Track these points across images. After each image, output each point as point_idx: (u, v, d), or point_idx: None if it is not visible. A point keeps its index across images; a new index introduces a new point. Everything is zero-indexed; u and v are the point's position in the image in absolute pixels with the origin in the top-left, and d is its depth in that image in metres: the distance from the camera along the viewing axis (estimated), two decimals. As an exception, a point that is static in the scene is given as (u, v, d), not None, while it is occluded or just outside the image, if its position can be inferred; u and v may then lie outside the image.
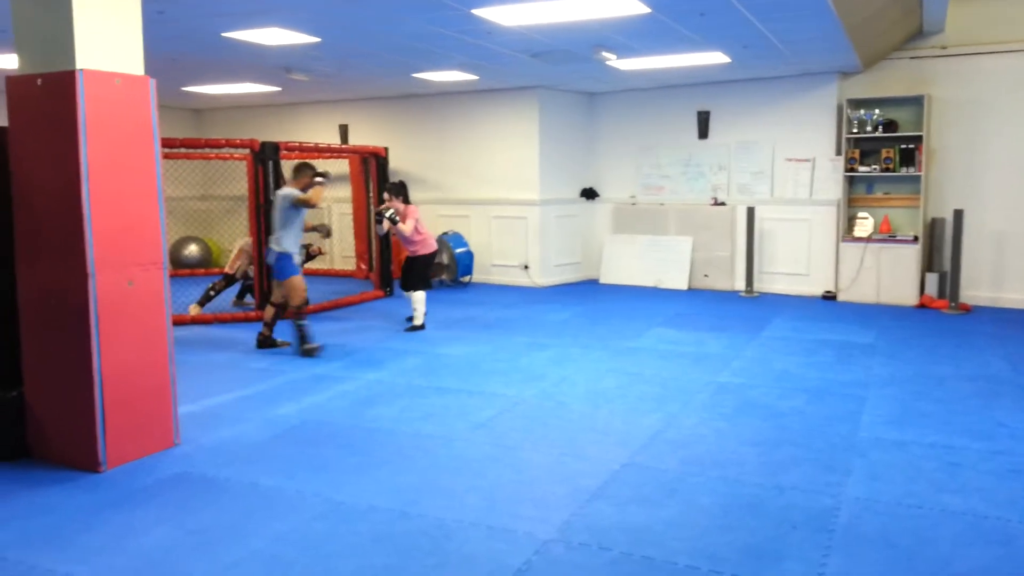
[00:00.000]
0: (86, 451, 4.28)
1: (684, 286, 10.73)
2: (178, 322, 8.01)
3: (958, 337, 7.58)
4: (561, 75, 9.77)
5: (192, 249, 12.80)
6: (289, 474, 4.23)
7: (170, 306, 4.64)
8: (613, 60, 8.39)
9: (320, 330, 8.13)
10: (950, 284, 8.94)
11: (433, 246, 8.28)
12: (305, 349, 6.98)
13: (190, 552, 3.36)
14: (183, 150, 9.93)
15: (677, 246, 10.86)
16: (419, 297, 8.04)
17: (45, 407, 4.41)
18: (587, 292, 10.63)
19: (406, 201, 8.20)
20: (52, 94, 4.16)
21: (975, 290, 9.29)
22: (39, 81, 4.20)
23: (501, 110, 11.16)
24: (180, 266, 12.41)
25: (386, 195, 8.23)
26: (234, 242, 11.10)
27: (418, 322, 8.06)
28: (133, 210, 4.39)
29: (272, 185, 8.62)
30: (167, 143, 8.10)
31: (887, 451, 4.50)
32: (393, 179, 11.33)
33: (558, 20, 6.57)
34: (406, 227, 7.95)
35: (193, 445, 4.70)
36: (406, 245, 8.14)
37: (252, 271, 9.01)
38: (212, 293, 9.03)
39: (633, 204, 11.33)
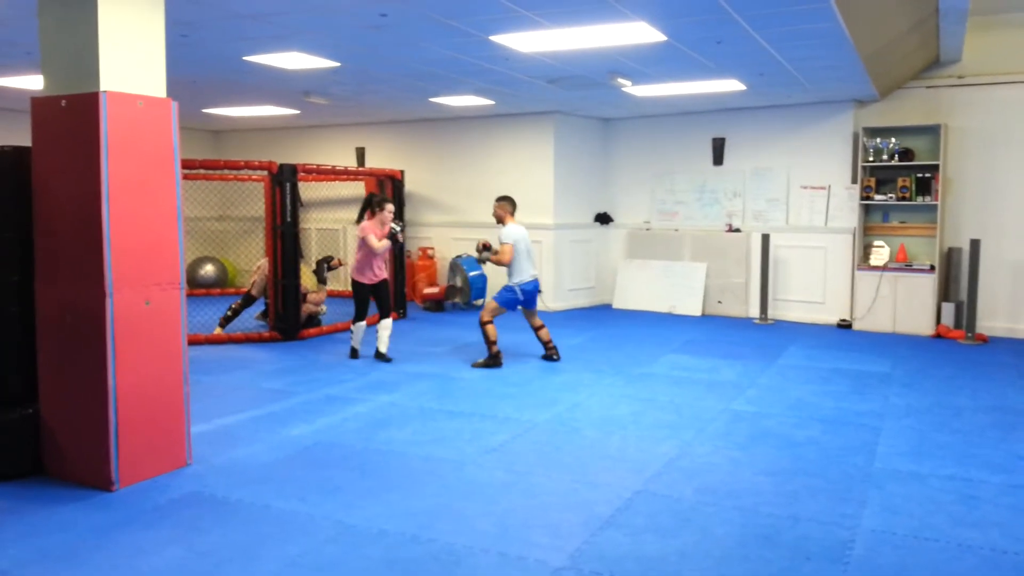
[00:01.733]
0: (99, 470, 4.29)
1: (698, 312, 10.70)
2: (193, 342, 8.05)
3: (975, 368, 7.52)
4: (577, 101, 9.83)
5: (208, 269, 12.88)
6: (301, 496, 4.22)
7: (186, 326, 4.67)
8: (629, 87, 8.44)
9: (333, 351, 8.17)
10: (967, 314, 8.87)
11: None
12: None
13: (200, 574, 3.35)
14: (202, 171, 10.04)
15: (691, 272, 10.85)
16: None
17: (60, 425, 4.43)
18: (600, 317, 10.61)
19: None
20: (76, 115, 4.22)
21: (992, 320, 9.21)
22: (63, 102, 4.26)
23: (517, 135, 11.22)
24: (196, 286, 12.49)
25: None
26: (251, 262, 11.17)
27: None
28: (152, 230, 4.43)
29: (289, 206, 8.68)
30: (186, 164, 8.19)
31: (903, 483, 4.45)
32: (409, 202, 11.41)
33: (575, 47, 6.62)
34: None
35: (205, 465, 4.71)
36: (375, 265, 7.64)
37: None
38: (229, 313, 9.07)
39: (647, 230, 11.34)
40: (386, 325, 7.72)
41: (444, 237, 11.93)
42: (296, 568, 3.40)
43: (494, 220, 7.65)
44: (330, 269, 9.63)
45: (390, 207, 7.68)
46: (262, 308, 9.69)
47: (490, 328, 7.35)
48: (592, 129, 11.52)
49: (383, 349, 7.68)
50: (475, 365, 7.39)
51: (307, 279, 9.17)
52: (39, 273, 4.45)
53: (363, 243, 7.53)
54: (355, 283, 7.67)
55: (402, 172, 10.75)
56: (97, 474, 4.30)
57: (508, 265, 7.40)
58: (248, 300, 9.23)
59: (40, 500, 4.16)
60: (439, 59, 7.23)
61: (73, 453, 4.39)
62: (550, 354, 7.70)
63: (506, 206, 7.56)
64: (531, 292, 7.49)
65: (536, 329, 7.69)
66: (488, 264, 8.01)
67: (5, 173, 4.48)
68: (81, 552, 3.56)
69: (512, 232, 7.44)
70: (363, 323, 7.75)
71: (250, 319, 9.74)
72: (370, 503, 4.13)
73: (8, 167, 4.48)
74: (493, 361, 7.37)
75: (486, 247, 7.68)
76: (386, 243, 7.59)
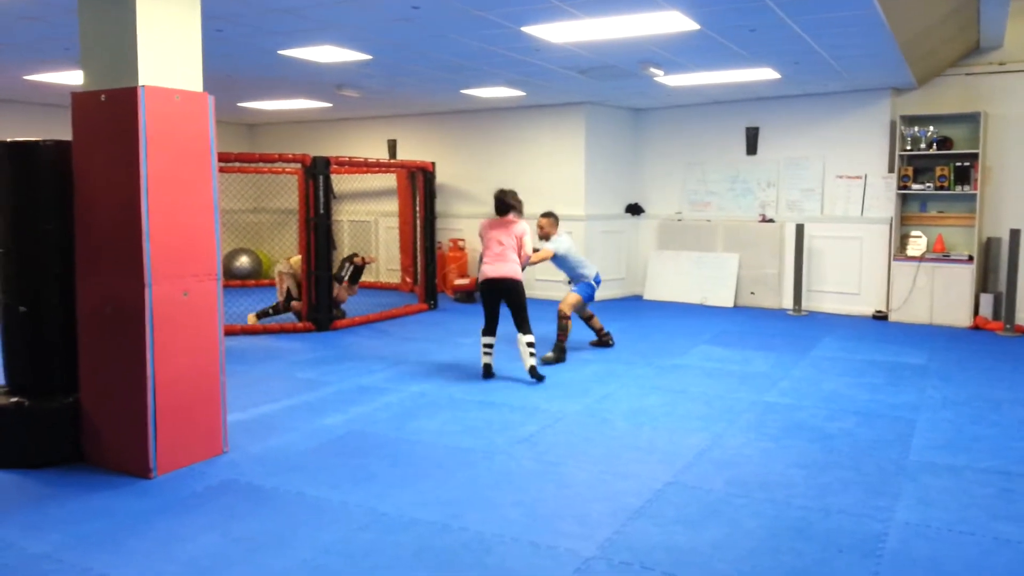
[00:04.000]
0: (138, 457, 4.38)
1: (730, 303, 10.62)
2: (228, 332, 8.16)
3: (1014, 360, 7.38)
4: (608, 91, 9.79)
5: (243, 261, 13.06)
6: (334, 484, 4.28)
7: (222, 316, 4.74)
8: (661, 76, 8.38)
9: (366, 343, 8.25)
10: (1005, 305, 8.71)
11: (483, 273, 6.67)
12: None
13: (236, 560, 3.42)
14: (237, 164, 10.16)
15: (723, 263, 10.77)
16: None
17: (99, 413, 4.53)
18: (631, 308, 10.58)
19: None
20: (115, 109, 4.29)
21: (1033, 312, 9.04)
22: (103, 97, 4.34)
23: (548, 126, 11.21)
24: (231, 277, 12.66)
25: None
26: (284, 254, 11.26)
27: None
28: (190, 223, 4.50)
29: (322, 199, 8.74)
30: (222, 157, 8.28)
31: (939, 476, 4.39)
32: (440, 194, 11.41)
33: (606, 37, 6.59)
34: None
35: (241, 453, 4.79)
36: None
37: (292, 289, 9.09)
38: (271, 311, 9.14)
39: (679, 220, 11.27)
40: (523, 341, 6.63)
41: (475, 229, 11.90)
42: (329, 555, 3.46)
43: (539, 237, 7.56)
44: (356, 269, 9.41)
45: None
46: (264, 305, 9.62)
47: (569, 324, 7.37)
48: (623, 119, 11.46)
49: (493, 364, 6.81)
50: (546, 359, 7.14)
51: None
52: (80, 265, 4.55)
53: (518, 241, 6.60)
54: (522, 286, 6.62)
55: (433, 164, 10.79)
56: (135, 462, 4.39)
57: (573, 267, 7.53)
58: (290, 299, 9.23)
59: (80, 487, 4.26)
60: (470, 51, 7.24)
61: (112, 441, 4.49)
62: (604, 340, 7.93)
63: (553, 223, 7.56)
64: (599, 284, 7.73)
65: (588, 319, 7.88)
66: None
67: (46, 167, 4.58)
68: (120, 537, 3.65)
69: (562, 242, 7.46)
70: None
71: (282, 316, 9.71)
72: (402, 491, 4.17)
73: (49, 161, 4.58)
74: (562, 356, 7.28)
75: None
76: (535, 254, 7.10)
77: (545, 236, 7.60)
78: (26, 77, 8.77)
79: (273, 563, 3.38)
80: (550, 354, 7.28)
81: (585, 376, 6.74)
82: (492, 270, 6.48)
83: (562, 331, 7.34)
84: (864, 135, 9.82)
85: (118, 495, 4.14)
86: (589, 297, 7.65)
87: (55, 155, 4.59)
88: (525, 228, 6.65)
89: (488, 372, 6.67)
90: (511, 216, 6.65)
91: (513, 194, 6.74)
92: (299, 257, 9.07)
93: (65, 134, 4.65)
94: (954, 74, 9.32)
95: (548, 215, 7.67)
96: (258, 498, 4.11)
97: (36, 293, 4.62)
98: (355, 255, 9.65)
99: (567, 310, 7.39)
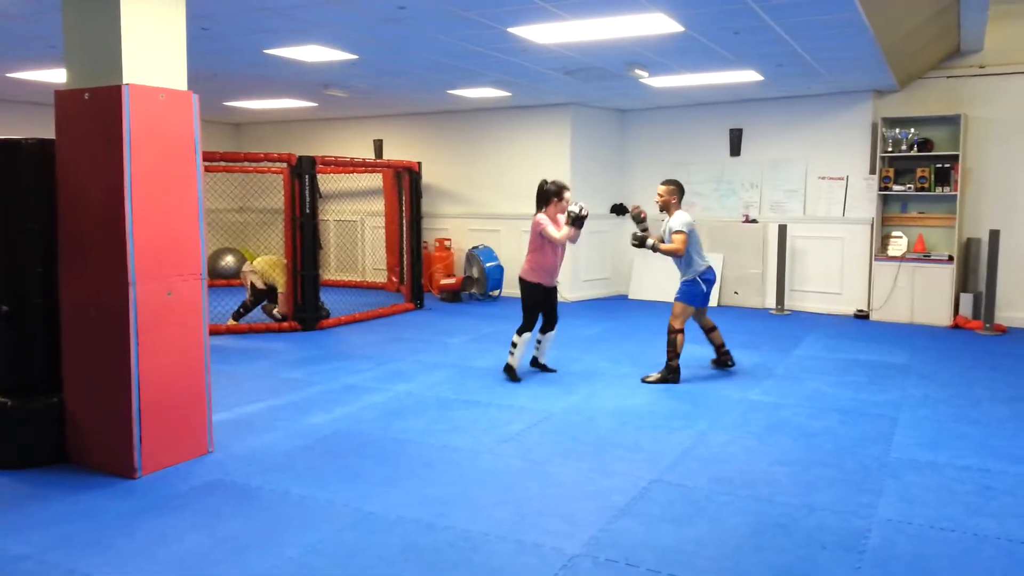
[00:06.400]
0: (122, 457, 4.36)
1: (713, 303, 10.68)
2: (213, 332, 8.12)
3: (993, 358, 7.47)
4: (593, 92, 9.83)
5: (228, 260, 13.00)
6: (320, 483, 4.28)
7: (207, 316, 4.73)
8: (646, 78, 8.43)
9: (352, 343, 8.23)
10: (985, 305, 8.81)
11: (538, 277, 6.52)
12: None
13: (222, 560, 3.41)
14: (223, 163, 10.12)
15: (708, 263, 10.81)
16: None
17: (84, 413, 4.51)
18: (616, 307, 10.62)
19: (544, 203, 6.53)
20: (99, 108, 4.27)
21: (1011, 311, 9.14)
22: (87, 95, 4.32)
23: (533, 126, 11.23)
24: (216, 276, 12.60)
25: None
26: (269, 254, 11.21)
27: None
28: (174, 222, 4.48)
29: (308, 198, 8.72)
30: (207, 156, 8.23)
31: (920, 473, 4.45)
32: (426, 193, 11.41)
33: (592, 38, 6.63)
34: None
35: (226, 453, 4.77)
36: (555, 265, 6.59)
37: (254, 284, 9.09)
38: (243, 311, 9.10)
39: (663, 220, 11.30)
40: (551, 336, 6.78)
41: (461, 228, 11.97)
42: (315, 554, 3.46)
43: (658, 208, 6.68)
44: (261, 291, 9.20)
45: (569, 194, 6.52)
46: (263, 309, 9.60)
47: (680, 338, 6.39)
48: (609, 120, 11.51)
49: (545, 360, 6.88)
50: (647, 380, 6.46)
51: (278, 274, 8.99)
52: (63, 264, 4.52)
53: (538, 238, 6.39)
54: (527, 285, 6.47)
55: (419, 164, 10.79)
56: (120, 462, 4.37)
57: (681, 256, 6.43)
58: (257, 296, 9.17)
59: (64, 487, 4.24)
60: (457, 51, 7.25)
61: (96, 441, 4.47)
62: (724, 360, 6.83)
63: (675, 192, 6.52)
64: (712, 282, 6.58)
65: (708, 331, 6.80)
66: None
67: (29, 166, 4.55)
68: (104, 538, 3.63)
69: (686, 218, 6.45)
70: (529, 335, 6.52)
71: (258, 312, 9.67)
72: (388, 491, 4.18)
73: (32, 160, 4.55)
74: (672, 376, 6.42)
75: (642, 218, 6.64)
76: (568, 231, 6.33)
77: (664, 207, 6.58)
78: (9, 75, 8.70)
79: (258, 563, 3.38)
80: (655, 374, 6.50)
81: (570, 375, 6.76)
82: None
83: (671, 346, 6.40)
84: (846, 137, 9.91)
85: (102, 495, 4.12)
86: (694, 299, 6.51)
87: (38, 154, 4.56)
88: (538, 220, 6.41)
89: (531, 363, 6.95)
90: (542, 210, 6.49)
91: (543, 184, 6.58)
92: (262, 258, 9.19)
93: (48, 133, 4.62)
94: (935, 77, 9.43)
95: (669, 182, 6.60)
96: (243, 498, 4.10)
97: (19, 293, 4.59)
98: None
99: (676, 324, 6.41)
